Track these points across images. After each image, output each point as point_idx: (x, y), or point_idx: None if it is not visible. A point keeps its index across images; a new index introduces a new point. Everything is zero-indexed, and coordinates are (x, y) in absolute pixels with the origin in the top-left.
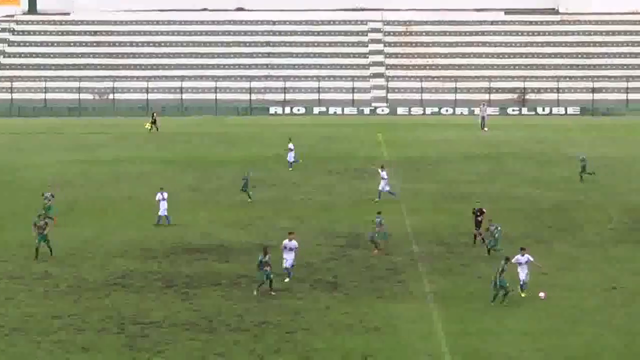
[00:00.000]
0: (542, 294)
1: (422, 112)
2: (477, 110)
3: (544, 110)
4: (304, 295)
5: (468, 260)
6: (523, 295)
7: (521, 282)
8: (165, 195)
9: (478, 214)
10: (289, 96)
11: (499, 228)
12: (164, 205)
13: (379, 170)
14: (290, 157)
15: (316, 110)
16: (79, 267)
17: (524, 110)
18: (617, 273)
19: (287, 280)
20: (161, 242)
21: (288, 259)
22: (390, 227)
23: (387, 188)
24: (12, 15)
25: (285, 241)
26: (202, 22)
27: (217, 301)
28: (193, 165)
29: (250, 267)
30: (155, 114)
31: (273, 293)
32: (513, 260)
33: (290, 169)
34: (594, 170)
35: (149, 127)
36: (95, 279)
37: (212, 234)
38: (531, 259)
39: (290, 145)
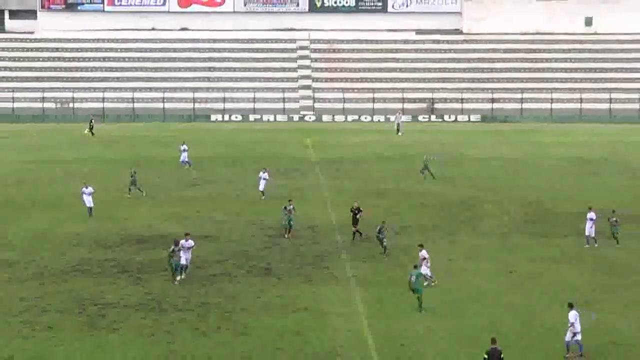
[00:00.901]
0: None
1: (344, 119)
2: (392, 118)
3: (450, 117)
4: (241, 279)
5: (387, 248)
6: (435, 283)
7: (426, 275)
8: (90, 189)
9: (356, 212)
10: (227, 105)
11: (387, 230)
12: (88, 199)
13: (261, 172)
14: (183, 157)
15: (252, 117)
16: (41, 255)
17: (433, 118)
18: (514, 260)
19: (181, 277)
20: (113, 233)
21: (185, 257)
22: (316, 219)
23: (262, 188)
24: None
25: (182, 241)
26: (151, 41)
27: (164, 285)
28: (140, 165)
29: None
30: (92, 120)
31: (178, 279)
32: (420, 255)
33: (186, 167)
34: (434, 173)
35: (88, 133)
36: (56, 266)
37: (157, 226)
38: (426, 255)
39: (184, 147)
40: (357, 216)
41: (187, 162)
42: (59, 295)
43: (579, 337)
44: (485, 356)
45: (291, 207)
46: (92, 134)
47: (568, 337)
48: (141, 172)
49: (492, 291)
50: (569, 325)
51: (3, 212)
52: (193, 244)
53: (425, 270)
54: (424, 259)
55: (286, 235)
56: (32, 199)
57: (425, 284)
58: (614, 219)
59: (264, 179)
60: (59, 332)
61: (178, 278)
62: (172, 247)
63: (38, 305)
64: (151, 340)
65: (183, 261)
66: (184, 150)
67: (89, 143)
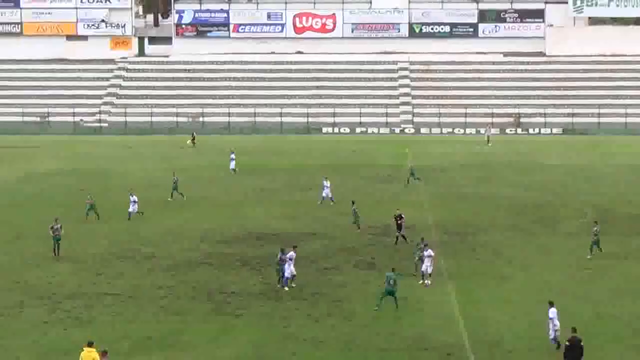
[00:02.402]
0: (427, 282)
1: (439, 131)
2: (482, 130)
3: (534, 130)
4: (348, 272)
5: (472, 245)
6: (429, 282)
7: (422, 272)
8: (135, 198)
9: (398, 219)
10: (337, 119)
11: (423, 247)
12: (133, 205)
13: (323, 181)
14: (232, 164)
15: (358, 130)
16: (172, 250)
17: (519, 131)
18: (585, 256)
19: (286, 289)
20: (234, 231)
21: (289, 269)
22: (414, 219)
23: (330, 195)
24: (126, 57)
25: (291, 253)
26: (270, 62)
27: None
28: (257, 172)
29: (305, 249)
30: (194, 133)
31: (281, 286)
32: (425, 254)
33: (233, 173)
34: (420, 177)
35: (190, 144)
36: (186, 259)
37: (271, 225)
38: (432, 253)
39: (232, 156)
40: (399, 222)
41: (233, 169)
42: (189, 284)
43: (557, 333)
44: (567, 343)
45: (354, 208)
46: (194, 144)
47: (551, 333)
48: (260, 177)
49: (565, 283)
50: (549, 320)
51: (145, 213)
52: (294, 255)
53: (430, 269)
54: (430, 256)
55: (358, 230)
56: (161, 201)
57: (423, 281)
58: (595, 228)
59: (326, 187)
60: (189, 317)
61: (286, 288)
62: (280, 254)
63: (171, 293)
64: (270, 324)
65: (287, 274)
66: (232, 158)
67: (215, 152)
